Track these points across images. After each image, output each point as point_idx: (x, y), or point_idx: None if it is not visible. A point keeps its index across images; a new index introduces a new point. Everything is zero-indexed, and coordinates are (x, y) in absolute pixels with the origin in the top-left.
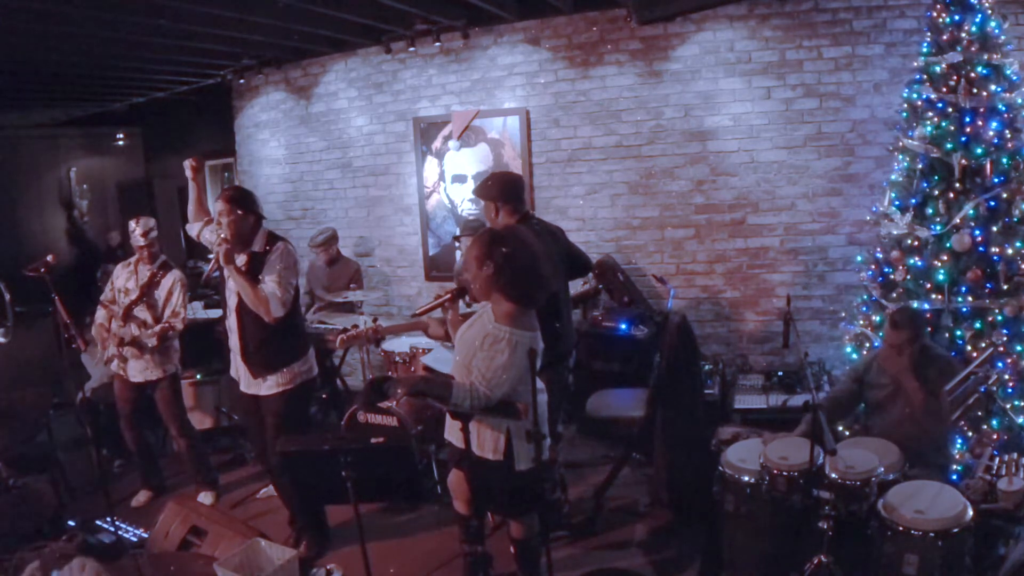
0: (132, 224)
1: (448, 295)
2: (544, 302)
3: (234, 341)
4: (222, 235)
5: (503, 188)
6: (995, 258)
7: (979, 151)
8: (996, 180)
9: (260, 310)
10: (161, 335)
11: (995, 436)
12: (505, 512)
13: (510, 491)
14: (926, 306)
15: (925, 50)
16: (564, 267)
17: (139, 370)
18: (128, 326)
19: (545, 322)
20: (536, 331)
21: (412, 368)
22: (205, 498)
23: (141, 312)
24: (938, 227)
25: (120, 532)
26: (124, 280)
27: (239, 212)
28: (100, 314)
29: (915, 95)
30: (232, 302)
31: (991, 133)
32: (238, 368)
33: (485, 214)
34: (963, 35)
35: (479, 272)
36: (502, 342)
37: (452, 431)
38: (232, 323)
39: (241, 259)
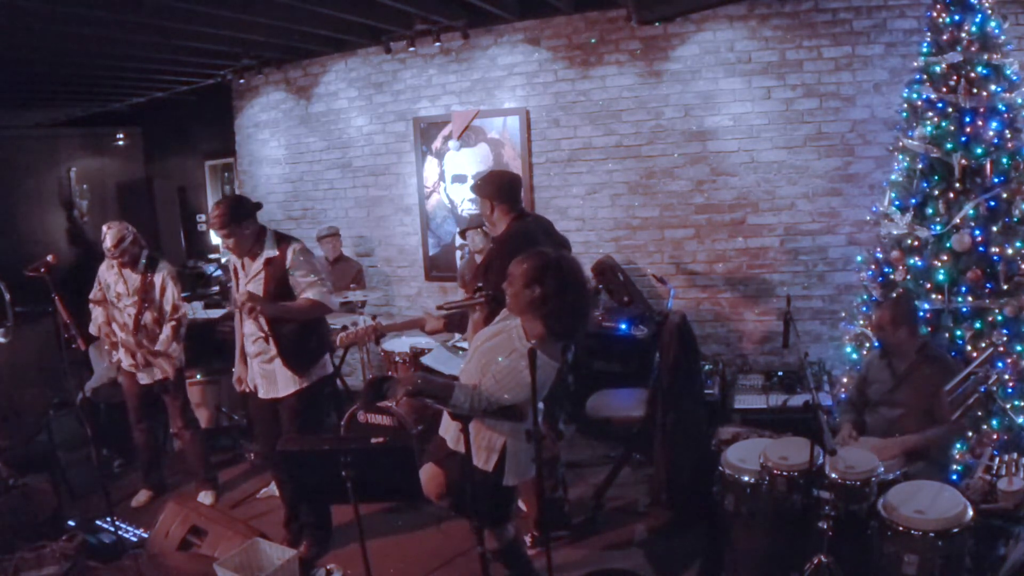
0: (104, 229)
1: (482, 298)
2: (579, 340)
3: (253, 346)
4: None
5: (500, 187)
6: (995, 258)
7: (979, 151)
8: (996, 180)
9: (318, 314)
10: (176, 334)
11: (995, 436)
12: (480, 521)
13: (489, 502)
14: (926, 306)
15: (925, 50)
16: None
17: (148, 370)
18: (140, 336)
19: None
20: (558, 361)
21: (412, 368)
22: (205, 497)
23: (145, 316)
24: (938, 227)
25: (120, 532)
26: (113, 282)
27: (236, 228)
28: (98, 313)
29: (915, 95)
30: (252, 324)
31: (991, 133)
32: (255, 376)
33: (481, 211)
34: (963, 35)
35: (523, 291)
36: (525, 360)
37: (449, 429)
38: (252, 331)
39: (259, 263)
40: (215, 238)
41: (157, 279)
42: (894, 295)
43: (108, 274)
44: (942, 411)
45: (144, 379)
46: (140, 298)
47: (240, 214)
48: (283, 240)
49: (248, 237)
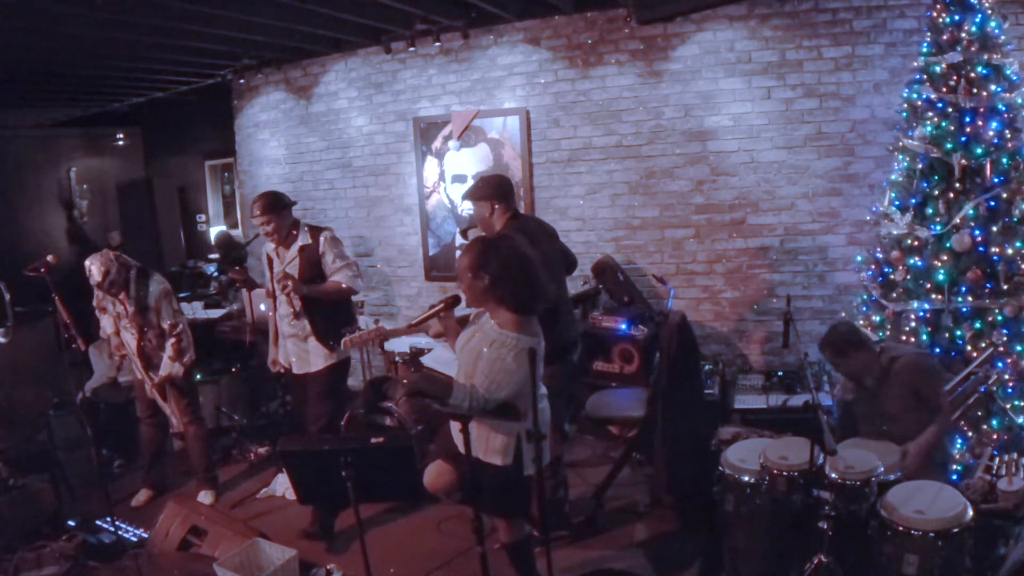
0: (87, 265)
1: (442, 304)
2: (543, 309)
3: (290, 329)
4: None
5: (496, 187)
6: (995, 258)
7: (979, 151)
8: (996, 180)
9: (346, 295)
10: (179, 353)
11: (995, 436)
12: (499, 514)
13: (511, 495)
14: (926, 306)
15: (925, 50)
16: (561, 263)
17: (164, 368)
18: (145, 358)
19: (544, 320)
20: (539, 336)
21: (412, 368)
22: (205, 497)
23: (147, 336)
24: (938, 227)
25: (120, 532)
26: (111, 303)
27: (275, 216)
28: (106, 322)
29: (915, 95)
30: (285, 302)
31: (991, 133)
32: (288, 353)
33: (478, 215)
34: (963, 35)
35: (474, 283)
36: (506, 347)
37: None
38: (286, 312)
39: (293, 250)
40: (214, 238)
41: (151, 299)
42: (828, 335)
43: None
44: (937, 401)
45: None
46: (138, 324)
47: (279, 204)
48: (315, 230)
49: (285, 225)
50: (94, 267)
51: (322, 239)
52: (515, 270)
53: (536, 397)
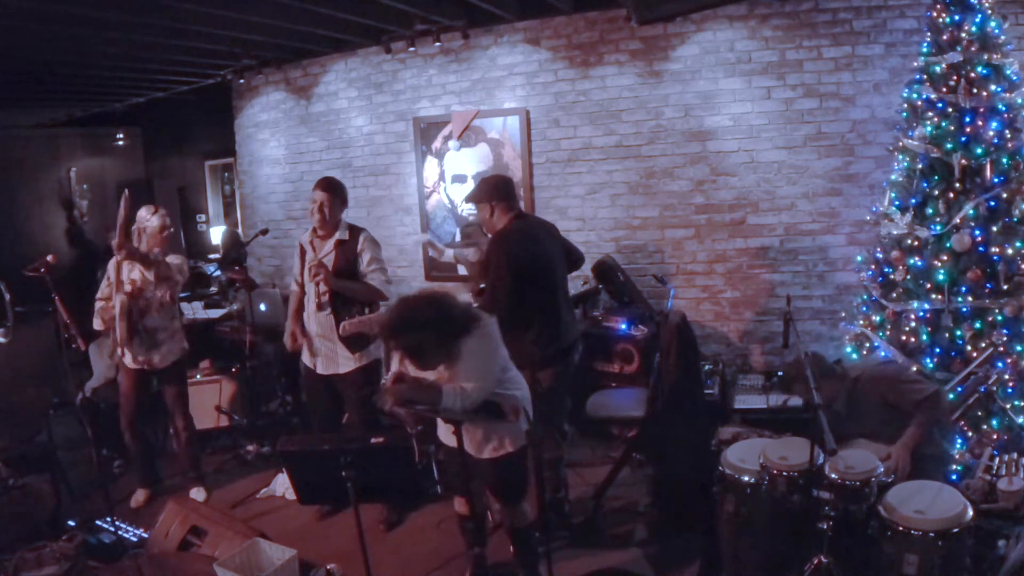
0: (150, 210)
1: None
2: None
3: (317, 327)
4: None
5: (495, 187)
6: (995, 258)
7: (979, 151)
8: (996, 180)
9: (376, 299)
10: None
11: (995, 436)
12: (517, 499)
13: (521, 480)
14: (926, 306)
15: (925, 50)
16: (563, 262)
17: (164, 353)
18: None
19: (545, 320)
20: (497, 334)
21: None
22: (198, 494)
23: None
24: (938, 227)
25: (120, 532)
26: (128, 271)
27: (337, 199)
28: (104, 307)
29: (915, 95)
30: (313, 293)
31: (991, 133)
32: (316, 352)
33: (480, 217)
34: (963, 35)
35: (420, 356)
36: (478, 339)
37: (472, 441)
38: (313, 311)
39: (330, 244)
40: (215, 238)
41: (173, 263)
42: (788, 366)
43: (123, 267)
44: (910, 403)
45: (158, 362)
46: (158, 287)
47: (341, 190)
48: (354, 228)
49: (337, 213)
50: (156, 217)
51: (362, 237)
52: (434, 328)
53: (535, 396)
